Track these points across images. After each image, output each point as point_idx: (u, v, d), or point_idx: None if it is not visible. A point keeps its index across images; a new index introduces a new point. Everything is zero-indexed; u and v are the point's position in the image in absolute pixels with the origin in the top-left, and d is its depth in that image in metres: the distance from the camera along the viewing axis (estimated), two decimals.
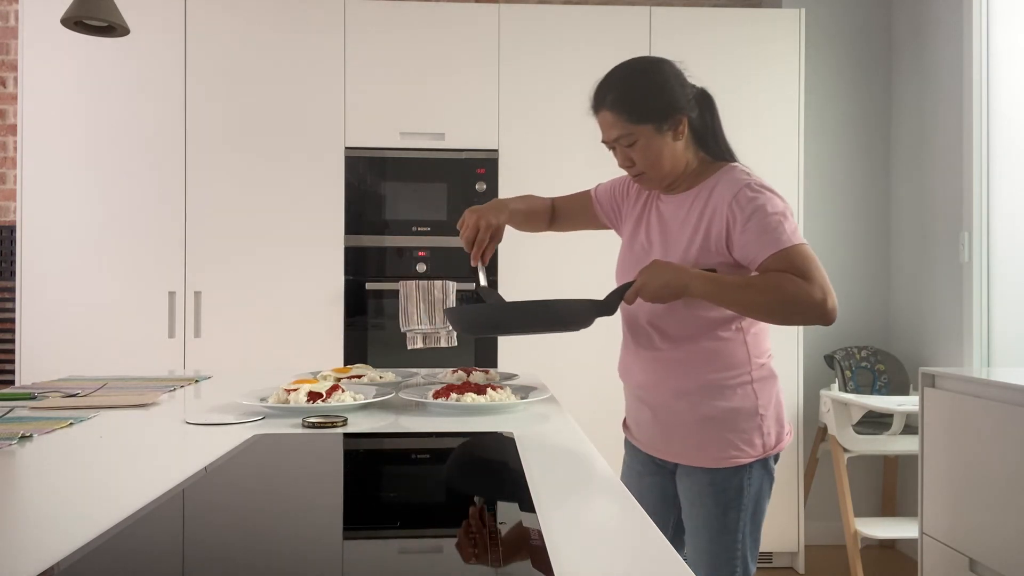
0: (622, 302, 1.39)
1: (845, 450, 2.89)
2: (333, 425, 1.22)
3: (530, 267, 2.89)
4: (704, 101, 1.51)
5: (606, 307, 1.38)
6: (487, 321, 1.49)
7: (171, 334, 2.88)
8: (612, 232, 1.72)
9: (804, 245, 1.35)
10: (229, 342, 2.89)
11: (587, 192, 1.73)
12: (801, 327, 3.06)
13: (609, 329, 1.80)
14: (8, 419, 1.27)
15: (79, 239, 2.86)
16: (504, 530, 0.70)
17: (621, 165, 1.49)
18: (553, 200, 1.74)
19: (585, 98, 1.51)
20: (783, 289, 1.31)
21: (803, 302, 1.30)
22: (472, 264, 1.59)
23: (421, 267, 2.93)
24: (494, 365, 2.94)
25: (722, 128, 1.53)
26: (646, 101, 1.42)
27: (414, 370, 1.99)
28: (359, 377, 1.67)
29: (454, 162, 2.95)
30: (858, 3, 3.41)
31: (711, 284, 1.33)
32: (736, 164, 1.48)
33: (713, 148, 1.51)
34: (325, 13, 2.93)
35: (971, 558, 2.11)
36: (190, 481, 0.86)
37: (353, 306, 2.94)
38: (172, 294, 2.88)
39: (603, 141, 1.49)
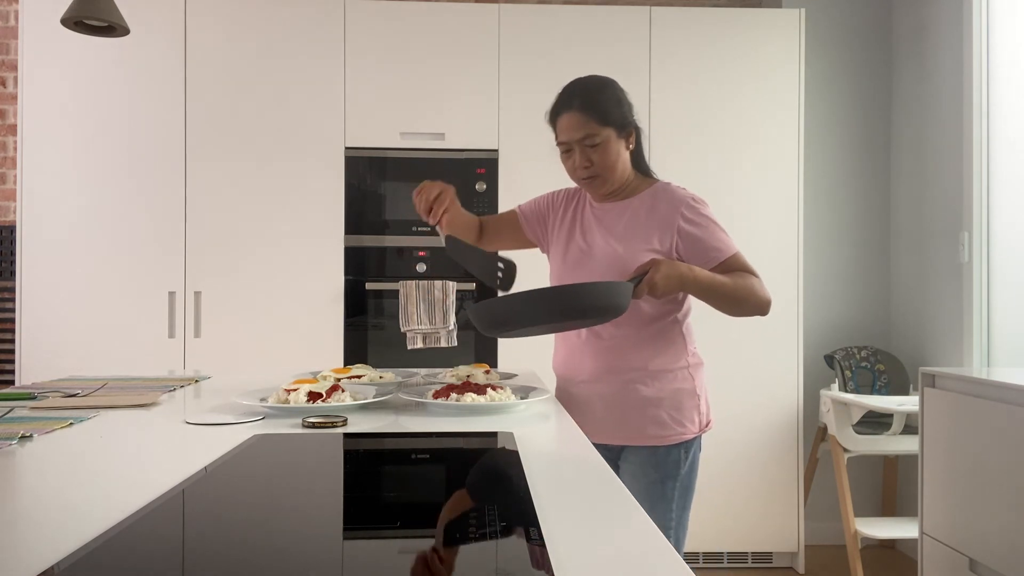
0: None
1: (845, 450, 2.89)
2: (333, 425, 1.22)
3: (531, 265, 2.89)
4: (638, 127, 1.68)
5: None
6: (516, 313, 1.38)
7: (171, 334, 2.88)
8: None
9: (739, 251, 1.61)
10: (229, 342, 2.89)
11: (512, 211, 1.87)
12: (800, 328, 3.06)
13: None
14: (8, 419, 1.27)
15: (79, 239, 2.86)
16: (504, 531, 0.70)
17: (578, 166, 1.61)
18: (480, 218, 1.86)
19: None
20: (751, 286, 1.57)
21: (761, 295, 1.57)
22: (432, 222, 1.63)
23: (421, 267, 2.93)
24: (494, 365, 2.94)
25: (645, 152, 1.72)
26: (611, 108, 1.59)
27: (414, 370, 1.99)
28: (359, 377, 1.67)
29: (454, 162, 2.95)
30: (858, 3, 3.42)
31: (706, 282, 1.52)
32: (669, 181, 1.68)
33: (643, 166, 1.71)
34: (325, 13, 2.93)
35: (971, 558, 2.11)
36: (190, 481, 0.86)
37: (353, 306, 2.94)
38: (172, 294, 2.88)
39: (562, 142, 1.62)
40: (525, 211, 1.85)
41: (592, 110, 1.57)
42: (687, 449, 1.62)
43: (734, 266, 1.58)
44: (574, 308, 1.39)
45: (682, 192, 1.63)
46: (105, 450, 1.05)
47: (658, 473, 1.60)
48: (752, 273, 1.59)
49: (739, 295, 1.54)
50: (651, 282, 1.45)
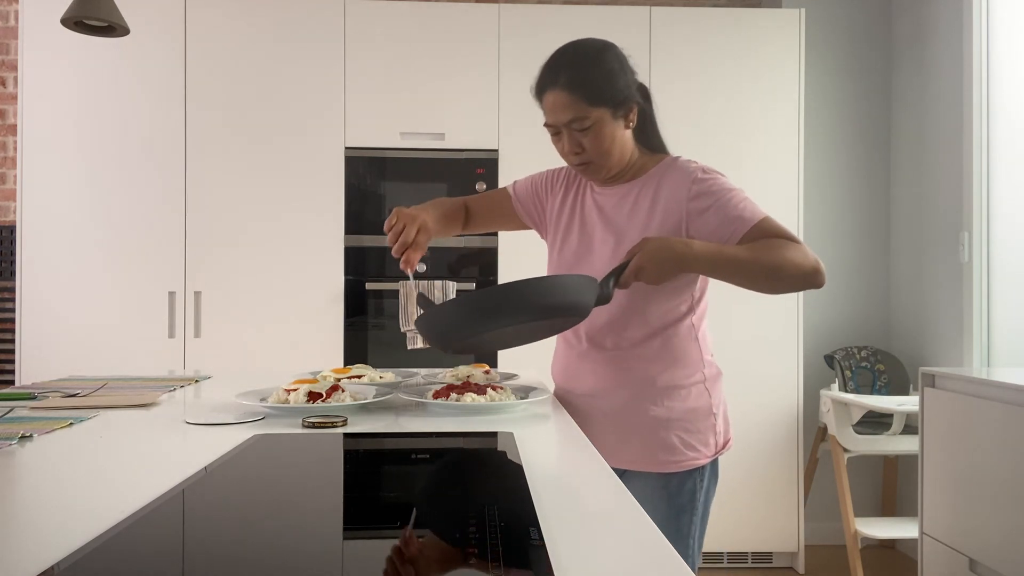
0: (616, 288, 1.30)
1: (845, 450, 2.89)
2: (333, 425, 1.22)
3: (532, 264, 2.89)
4: (644, 93, 1.45)
5: (603, 295, 1.28)
6: (452, 322, 1.25)
7: (171, 334, 2.88)
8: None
9: (771, 216, 1.34)
10: (229, 342, 2.89)
11: (504, 190, 1.65)
12: (800, 328, 3.06)
13: None
14: (8, 419, 1.27)
15: (79, 239, 2.86)
16: (504, 533, 0.70)
17: (567, 151, 1.41)
18: (466, 200, 1.64)
19: None
20: (783, 250, 1.28)
21: (801, 262, 1.28)
22: (402, 268, 1.45)
23: (421, 267, 2.93)
24: (494, 365, 2.94)
25: (656, 122, 1.49)
26: (602, 84, 1.35)
27: (414, 370, 1.99)
28: (359, 377, 1.67)
29: (454, 162, 2.95)
30: (858, 3, 3.42)
31: (711, 253, 1.28)
32: (678, 155, 1.46)
33: (652, 141, 1.48)
34: (325, 13, 2.93)
35: (971, 558, 2.11)
36: (190, 481, 0.86)
37: (353, 306, 2.94)
38: (172, 294, 2.88)
39: (549, 124, 1.41)
40: (520, 193, 1.61)
41: (581, 88, 1.33)
42: (702, 477, 1.41)
43: (766, 233, 1.31)
44: (514, 309, 1.22)
45: (690, 165, 1.40)
46: (105, 450, 1.05)
47: (671, 508, 1.40)
48: (788, 238, 1.30)
49: (767, 266, 1.27)
50: (637, 267, 1.25)
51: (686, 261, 1.27)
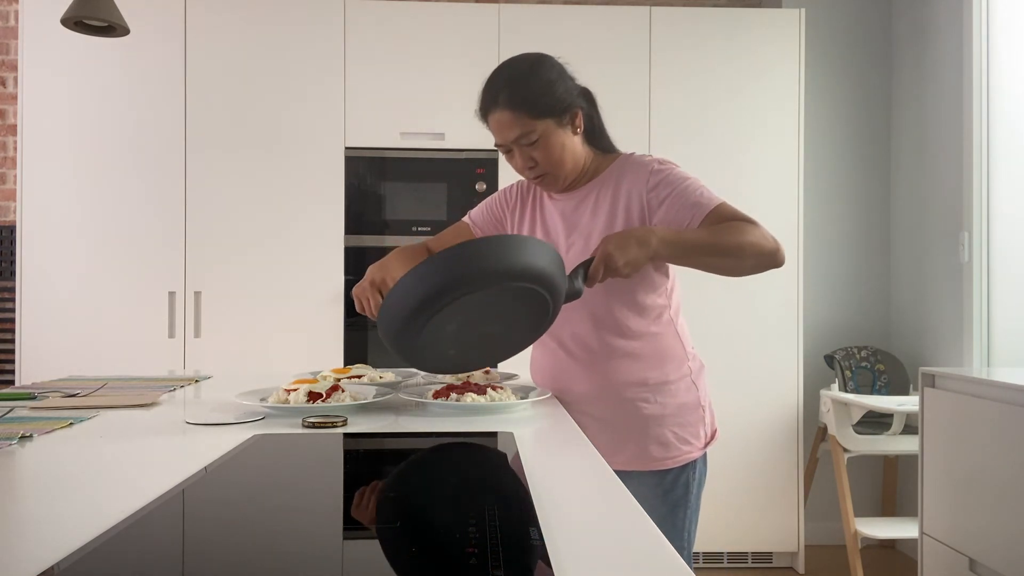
0: (585, 285, 1.28)
1: (845, 450, 2.89)
2: (333, 425, 1.22)
3: None
4: (588, 97, 1.48)
5: (573, 290, 1.25)
6: (405, 304, 1.11)
7: (171, 334, 2.88)
8: None
9: (727, 202, 1.37)
10: (229, 342, 2.89)
11: (462, 222, 1.65)
12: (800, 328, 3.06)
13: None
14: (8, 419, 1.27)
15: (79, 239, 2.86)
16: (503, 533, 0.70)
17: (521, 167, 1.44)
18: (427, 242, 1.63)
19: None
20: (742, 231, 1.30)
21: (760, 242, 1.31)
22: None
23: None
24: (494, 365, 2.94)
25: (604, 123, 1.51)
26: (542, 95, 1.38)
27: (414, 370, 1.99)
28: (359, 377, 1.67)
29: (454, 162, 2.95)
30: (858, 3, 3.42)
31: (674, 237, 1.29)
32: (632, 152, 1.49)
33: (603, 142, 1.51)
34: (325, 13, 2.93)
35: (971, 558, 2.11)
36: (190, 481, 0.86)
37: (353, 306, 2.93)
38: (172, 294, 2.88)
39: (498, 145, 1.44)
40: (477, 220, 1.63)
41: (521, 104, 1.37)
42: (694, 470, 1.44)
43: (724, 217, 1.33)
44: (471, 275, 1.10)
45: (645, 159, 1.43)
46: (105, 450, 1.05)
47: (666, 503, 1.43)
48: (746, 220, 1.32)
49: (729, 246, 1.29)
50: (604, 255, 1.23)
51: (650, 245, 1.26)
